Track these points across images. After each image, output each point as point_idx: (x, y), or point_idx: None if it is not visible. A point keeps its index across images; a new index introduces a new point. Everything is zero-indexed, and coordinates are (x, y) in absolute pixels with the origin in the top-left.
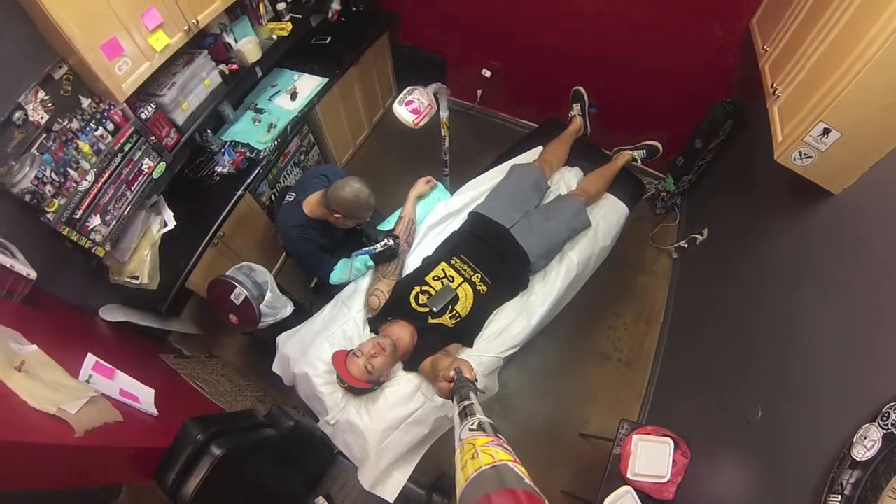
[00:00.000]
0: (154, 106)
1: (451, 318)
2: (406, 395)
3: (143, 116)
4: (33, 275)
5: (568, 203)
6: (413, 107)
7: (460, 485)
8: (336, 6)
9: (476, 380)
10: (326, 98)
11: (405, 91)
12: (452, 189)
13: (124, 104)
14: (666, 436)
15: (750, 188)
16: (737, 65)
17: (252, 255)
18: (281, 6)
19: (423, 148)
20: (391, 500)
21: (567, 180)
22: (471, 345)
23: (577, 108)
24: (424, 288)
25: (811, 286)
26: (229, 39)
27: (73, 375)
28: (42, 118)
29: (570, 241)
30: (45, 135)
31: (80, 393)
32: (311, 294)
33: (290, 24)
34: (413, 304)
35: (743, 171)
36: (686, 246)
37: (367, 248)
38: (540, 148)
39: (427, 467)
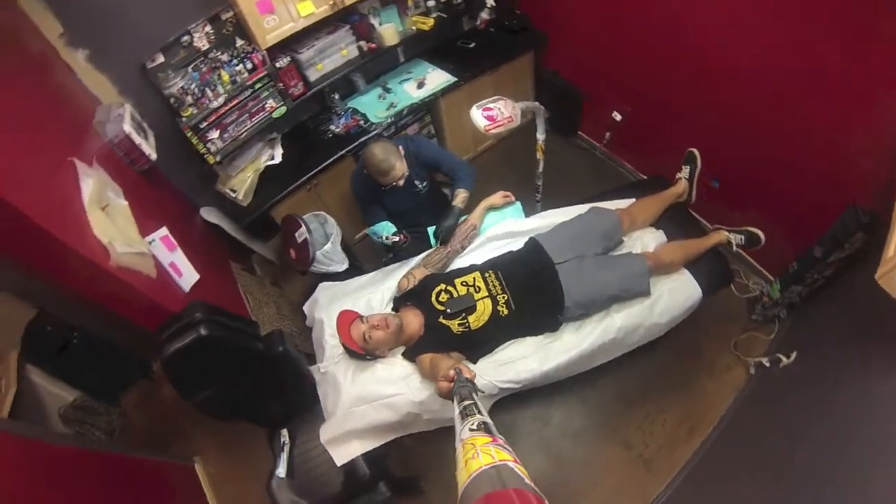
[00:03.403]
0: (289, 59)
1: (459, 324)
2: (392, 378)
3: (277, 65)
4: (154, 156)
5: (630, 261)
6: (489, 114)
7: (461, 484)
8: (485, 16)
9: (475, 382)
10: (452, 96)
11: (491, 98)
12: None
13: (265, 52)
14: None
15: (857, 319)
16: (887, 167)
17: (339, 213)
18: (430, 3)
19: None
20: (338, 464)
21: (645, 241)
22: (473, 362)
23: (685, 171)
24: (449, 288)
25: (869, 456)
26: (374, 21)
27: (142, 234)
28: (203, 46)
29: (620, 302)
30: (201, 59)
31: (135, 245)
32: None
33: (433, 20)
34: (432, 299)
35: (858, 297)
36: (768, 365)
37: (381, 234)
38: (633, 200)
39: (416, 465)
